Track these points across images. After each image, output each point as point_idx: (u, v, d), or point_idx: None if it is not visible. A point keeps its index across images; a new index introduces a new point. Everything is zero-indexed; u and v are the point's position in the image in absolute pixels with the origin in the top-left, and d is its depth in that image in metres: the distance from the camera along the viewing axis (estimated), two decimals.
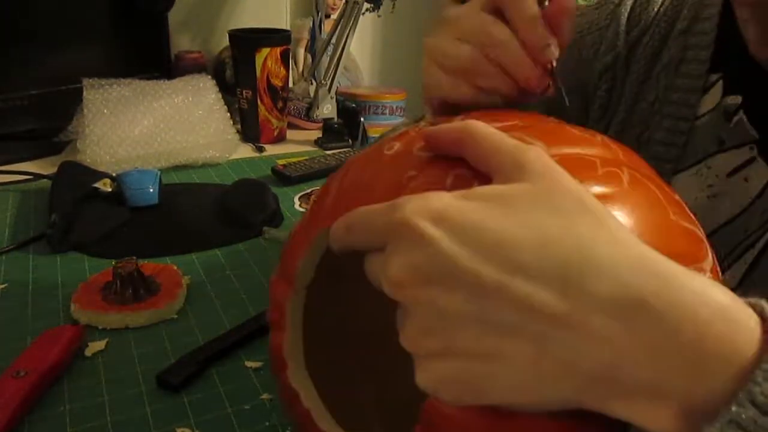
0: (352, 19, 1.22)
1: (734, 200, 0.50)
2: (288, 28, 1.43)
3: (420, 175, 0.31)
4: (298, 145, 1.21)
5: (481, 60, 0.38)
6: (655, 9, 0.59)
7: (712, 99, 0.55)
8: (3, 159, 1.03)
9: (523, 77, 0.38)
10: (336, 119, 1.23)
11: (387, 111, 1.40)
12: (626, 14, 0.60)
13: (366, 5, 1.22)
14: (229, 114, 1.14)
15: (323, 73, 1.26)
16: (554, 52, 0.38)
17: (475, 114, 0.36)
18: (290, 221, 0.87)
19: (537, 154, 0.28)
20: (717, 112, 0.54)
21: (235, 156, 1.11)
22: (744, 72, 0.52)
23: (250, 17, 1.44)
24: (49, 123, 1.10)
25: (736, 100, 0.52)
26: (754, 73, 0.51)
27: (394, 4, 1.37)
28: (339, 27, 1.24)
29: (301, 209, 0.91)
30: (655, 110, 0.57)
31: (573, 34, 0.39)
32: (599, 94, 0.61)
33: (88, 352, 0.57)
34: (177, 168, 1.04)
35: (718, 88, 0.54)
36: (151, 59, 1.24)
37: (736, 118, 0.52)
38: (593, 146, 0.33)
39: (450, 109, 0.41)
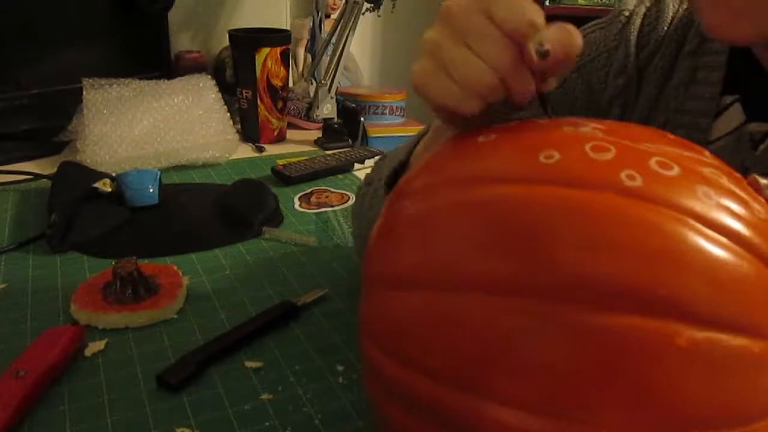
0: (352, 19, 1.22)
1: None
2: (288, 28, 1.43)
3: None
4: (298, 145, 1.21)
5: (500, 83, 0.36)
6: (665, 27, 0.57)
7: (726, 122, 0.53)
8: (3, 159, 1.03)
9: (525, 100, 0.37)
10: (336, 119, 1.23)
11: (387, 111, 1.40)
12: (635, 34, 0.58)
13: (366, 5, 1.22)
14: (229, 114, 1.14)
15: (323, 73, 1.26)
16: (553, 82, 0.38)
17: (546, 119, 0.37)
18: (290, 221, 0.87)
19: None
20: (737, 138, 0.52)
21: (235, 156, 1.11)
22: (766, 96, 0.50)
23: (250, 17, 1.44)
24: (49, 123, 1.11)
25: (763, 127, 0.51)
26: None
27: (394, 4, 1.37)
28: (339, 27, 1.24)
29: (301, 209, 0.91)
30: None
31: (575, 63, 0.38)
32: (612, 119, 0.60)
33: (88, 352, 0.57)
34: (177, 168, 1.04)
35: (736, 111, 0.52)
36: (151, 59, 1.25)
37: (762, 146, 0.51)
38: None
39: (458, 118, 0.39)
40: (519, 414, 0.29)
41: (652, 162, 0.31)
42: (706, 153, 0.35)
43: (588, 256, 0.29)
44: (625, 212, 0.29)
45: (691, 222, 0.29)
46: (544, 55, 0.35)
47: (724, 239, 0.29)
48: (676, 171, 0.31)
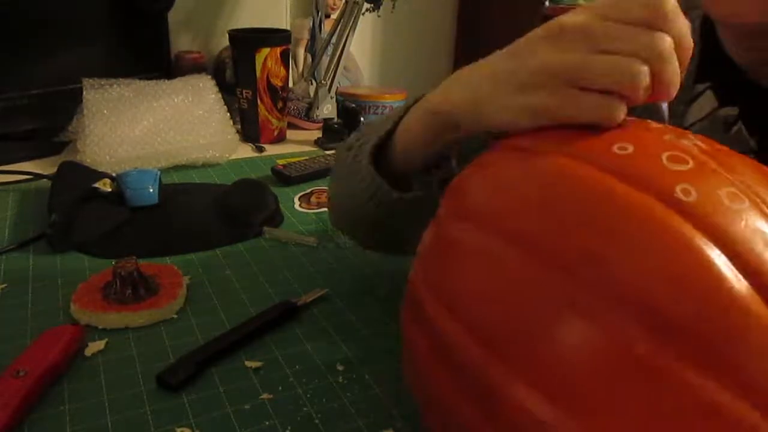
0: (352, 19, 1.22)
1: None
2: (288, 28, 1.43)
3: None
4: (298, 145, 1.21)
5: (649, 74, 0.35)
6: None
7: (699, 109, 0.55)
8: (3, 159, 1.03)
9: (674, 93, 0.36)
10: (336, 119, 1.23)
11: (387, 111, 1.40)
12: None
13: (366, 5, 1.22)
14: (229, 114, 1.14)
15: (323, 73, 1.26)
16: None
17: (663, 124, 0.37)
18: (290, 221, 0.87)
19: None
20: (711, 122, 0.55)
21: (235, 156, 1.11)
22: (736, 83, 0.53)
23: (250, 17, 1.44)
24: (49, 123, 1.11)
25: (733, 111, 0.53)
26: (746, 85, 0.52)
27: (394, 4, 1.37)
28: (339, 27, 1.24)
29: (301, 209, 0.91)
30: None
31: None
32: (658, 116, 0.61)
33: (88, 352, 0.57)
34: (177, 168, 1.04)
35: (708, 97, 0.55)
36: (151, 59, 1.25)
37: (734, 129, 0.53)
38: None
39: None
40: (539, 399, 0.29)
41: (723, 190, 0.30)
42: None
43: (607, 252, 0.29)
44: (659, 221, 0.29)
45: (723, 258, 0.28)
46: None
47: (745, 283, 0.28)
48: (743, 206, 0.30)
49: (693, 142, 0.34)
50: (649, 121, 0.38)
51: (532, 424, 0.30)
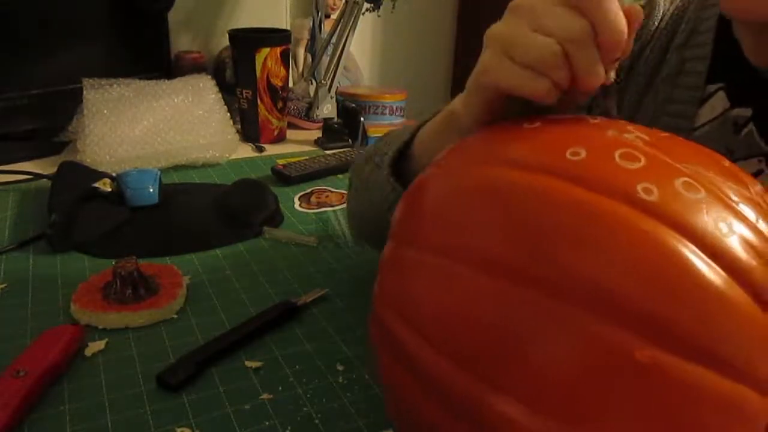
0: (352, 19, 1.22)
1: None
2: (288, 28, 1.43)
3: None
4: (298, 145, 1.21)
5: (562, 56, 0.36)
6: (656, 23, 0.60)
7: (710, 109, 0.55)
8: (3, 159, 1.03)
9: (591, 83, 0.37)
10: (336, 119, 1.23)
11: (387, 111, 1.40)
12: None
13: (366, 5, 1.22)
14: (229, 114, 1.14)
15: (323, 73, 1.26)
16: (619, 69, 0.37)
17: (599, 118, 0.37)
18: (290, 221, 0.87)
19: None
20: (721, 123, 0.54)
21: (235, 156, 1.11)
22: (749, 84, 0.53)
23: (250, 17, 1.44)
24: (49, 123, 1.11)
25: (745, 112, 0.53)
26: (760, 86, 0.52)
27: (394, 4, 1.37)
28: (339, 27, 1.24)
29: (301, 209, 0.91)
30: (653, 123, 0.57)
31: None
32: (602, 110, 0.61)
33: (88, 352, 0.57)
34: (177, 168, 1.04)
35: (720, 98, 0.55)
36: (151, 59, 1.25)
37: (745, 130, 0.53)
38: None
39: (499, 108, 0.40)
40: (522, 409, 0.29)
41: (678, 182, 0.31)
42: (756, 187, 0.34)
43: (580, 259, 0.29)
44: (628, 223, 0.29)
45: (692, 246, 0.29)
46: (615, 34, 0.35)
47: (722, 272, 0.28)
48: (700, 195, 0.30)
49: (635, 134, 0.34)
50: (586, 116, 0.38)
51: None
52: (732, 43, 0.53)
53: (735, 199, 0.31)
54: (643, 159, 0.32)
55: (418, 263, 0.34)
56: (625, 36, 0.36)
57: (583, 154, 0.32)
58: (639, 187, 0.30)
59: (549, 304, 0.29)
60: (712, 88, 0.55)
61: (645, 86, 0.59)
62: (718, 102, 0.55)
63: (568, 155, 0.32)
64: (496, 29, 0.39)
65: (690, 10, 0.58)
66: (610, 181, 0.31)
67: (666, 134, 0.36)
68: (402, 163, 0.56)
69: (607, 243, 0.29)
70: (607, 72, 0.37)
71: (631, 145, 0.33)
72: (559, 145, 0.33)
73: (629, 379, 0.28)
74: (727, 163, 0.35)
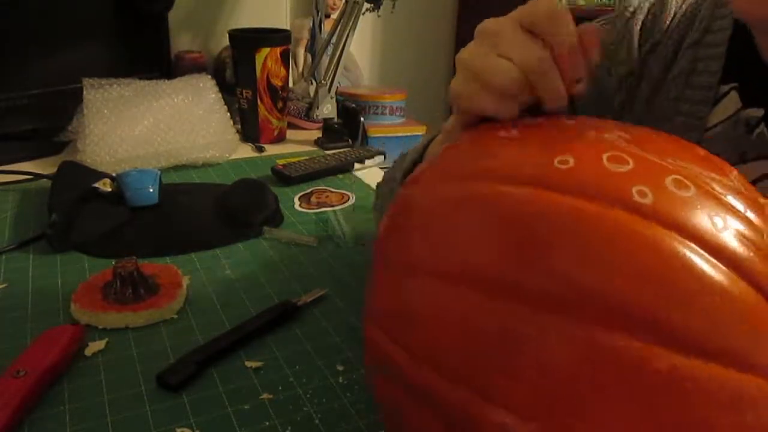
0: (352, 19, 1.22)
1: None
2: (288, 28, 1.43)
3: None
4: (298, 145, 1.21)
5: (524, 81, 0.38)
6: (668, 21, 0.60)
7: (723, 110, 0.55)
8: (3, 159, 1.03)
9: (556, 104, 0.38)
10: (336, 119, 1.23)
11: (387, 111, 1.40)
12: (639, 26, 0.61)
13: (366, 5, 1.22)
14: (229, 114, 1.14)
15: (323, 73, 1.26)
16: (583, 88, 0.38)
17: (575, 119, 0.37)
18: (290, 221, 0.87)
19: None
20: (734, 123, 0.54)
21: (235, 156, 1.11)
22: (763, 84, 0.52)
23: (250, 17, 1.44)
24: (49, 123, 1.11)
25: (757, 113, 0.53)
26: None
27: (394, 4, 1.37)
28: (339, 27, 1.24)
29: (301, 209, 0.91)
30: (665, 122, 0.57)
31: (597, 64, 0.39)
32: (616, 109, 0.61)
33: (88, 352, 0.57)
34: (177, 168, 1.04)
35: (733, 98, 0.54)
36: (151, 59, 1.25)
37: (757, 131, 0.52)
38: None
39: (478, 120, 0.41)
40: (514, 418, 0.29)
41: (669, 180, 0.31)
42: (734, 173, 0.34)
43: (584, 270, 0.29)
44: (628, 230, 0.29)
45: (693, 246, 0.29)
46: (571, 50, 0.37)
47: (724, 268, 0.29)
48: (691, 192, 0.30)
49: (615, 134, 0.34)
50: (562, 117, 0.38)
51: None
52: (746, 43, 0.53)
53: (721, 191, 0.31)
54: (630, 161, 0.32)
55: (405, 283, 0.34)
56: (583, 56, 0.37)
57: (572, 161, 0.32)
58: (633, 191, 0.30)
59: (553, 319, 0.29)
60: (725, 88, 0.55)
61: (656, 84, 0.59)
62: (731, 102, 0.54)
63: (556, 164, 0.32)
64: (465, 54, 0.41)
65: (704, 8, 0.58)
66: (603, 187, 0.31)
67: (641, 128, 0.36)
68: None
69: (610, 252, 0.29)
70: (576, 85, 0.38)
71: (615, 147, 0.33)
72: (545, 154, 0.33)
73: (648, 389, 0.27)
74: (702, 151, 0.35)
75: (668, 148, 0.34)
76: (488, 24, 0.40)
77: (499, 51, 0.38)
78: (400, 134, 1.41)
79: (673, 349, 0.27)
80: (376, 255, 0.38)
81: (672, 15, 0.59)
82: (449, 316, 0.31)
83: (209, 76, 1.15)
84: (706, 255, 0.29)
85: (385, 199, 0.64)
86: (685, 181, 0.31)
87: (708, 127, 0.55)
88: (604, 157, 0.32)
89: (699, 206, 0.30)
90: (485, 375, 0.30)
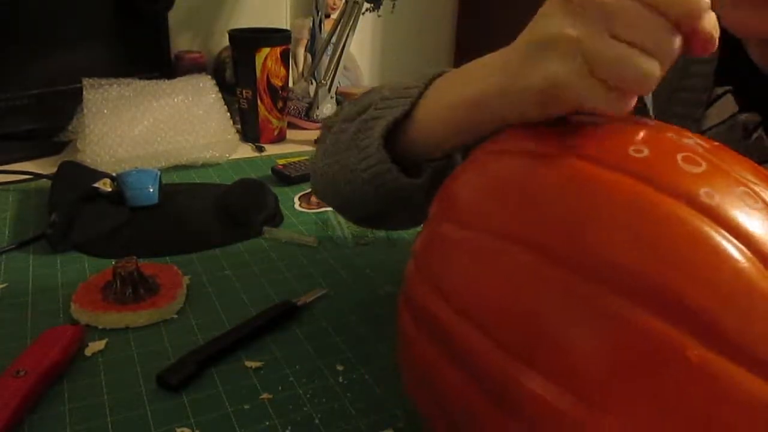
0: (352, 19, 1.22)
1: None
2: (288, 28, 1.43)
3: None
4: (298, 145, 1.21)
5: (658, 70, 0.32)
6: None
7: (718, 113, 0.54)
8: (3, 159, 1.03)
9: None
10: None
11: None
12: None
13: (366, 5, 1.22)
14: (229, 114, 1.14)
15: (323, 73, 1.26)
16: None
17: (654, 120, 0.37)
18: (290, 221, 0.87)
19: None
20: (730, 127, 0.53)
21: (235, 156, 1.11)
22: (758, 88, 0.52)
23: (250, 17, 1.44)
24: (49, 123, 1.10)
25: (754, 118, 0.52)
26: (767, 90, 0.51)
27: (394, 4, 1.37)
28: (339, 27, 1.24)
29: (301, 209, 0.91)
30: (661, 118, 0.57)
31: None
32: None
33: (88, 352, 0.57)
34: (177, 168, 1.04)
35: (728, 102, 0.54)
36: (151, 59, 1.24)
37: (755, 135, 0.52)
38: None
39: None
40: (552, 387, 0.30)
41: (738, 191, 0.31)
42: None
43: (639, 254, 0.29)
44: (690, 225, 0.30)
45: (749, 254, 0.29)
46: (712, 42, 0.33)
47: None
48: (759, 206, 0.31)
49: (694, 140, 0.35)
50: (643, 118, 0.38)
51: (550, 414, 0.30)
52: (740, 47, 0.52)
53: None
54: (704, 164, 0.32)
55: (463, 242, 0.35)
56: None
57: (646, 152, 0.33)
58: (701, 191, 0.31)
59: (600, 295, 0.29)
60: (719, 90, 0.54)
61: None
62: (726, 105, 0.54)
63: (631, 152, 0.33)
64: (573, 32, 0.33)
65: None
66: (673, 181, 0.31)
67: (718, 144, 0.36)
68: (392, 133, 0.51)
69: (668, 242, 0.29)
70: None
71: (692, 150, 0.33)
72: (623, 141, 0.34)
73: (674, 376, 0.28)
74: (764, 171, 0.35)
75: (743, 164, 0.34)
76: None
77: (619, 32, 0.32)
78: None
79: (709, 345, 0.28)
80: (433, 214, 0.39)
81: None
82: (502, 274, 0.32)
83: (209, 76, 1.15)
84: (760, 265, 0.29)
85: (340, 143, 0.57)
86: (755, 195, 0.31)
87: (703, 130, 0.55)
88: (679, 156, 0.32)
89: (764, 220, 0.30)
90: (531, 339, 0.31)
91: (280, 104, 1.19)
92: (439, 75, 0.51)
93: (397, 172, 0.51)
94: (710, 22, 0.33)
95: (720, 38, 0.55)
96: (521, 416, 0.31)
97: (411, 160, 0.52)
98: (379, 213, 0.57)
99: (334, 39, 1.25)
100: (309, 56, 1.46)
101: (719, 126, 0.54)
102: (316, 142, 0.63)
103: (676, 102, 0.56)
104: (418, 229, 0.44)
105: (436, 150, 0.51)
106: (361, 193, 0.55)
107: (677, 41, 0.33)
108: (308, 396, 0.53)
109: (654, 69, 0.32)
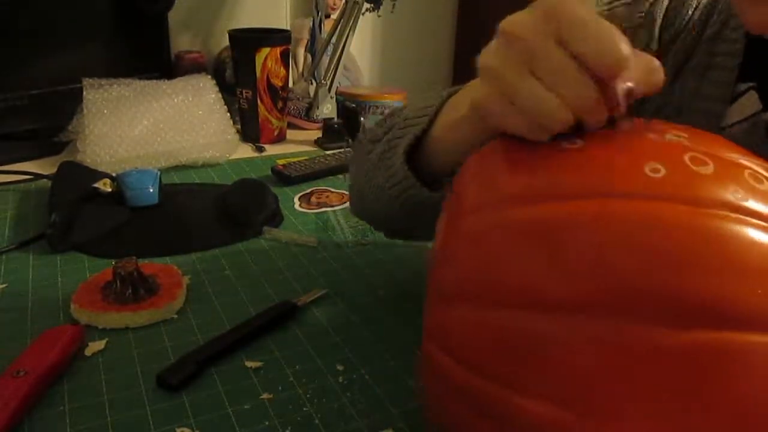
0: (352, 19, 1.22)
1: None
2: (288, 28, 1.43)
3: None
4: (298, 145, 1.21)
5: (566, 113, 0.33)
6: (689, 12, 0.58)
7: (741, 109, 0.54)
8: (3, 159, 1.03)
9: (596, 128, 0.34)
10: (336, 119, 1.23)
11: (387, 111, 1.40)
12: (661, 14, 0.59)
13: (366, 5, 1.22)
14: (229, 114, 1.14)
15: (323, 73, 1.26)
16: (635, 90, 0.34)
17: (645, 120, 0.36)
18: (290, 221, 0.87)
19: None
20: (752, 126, 0.53)
21: (235, 156, 1.11)
22: None
23: (250, 17, 1.44)
24: (49, 123, 1.11)
25: None
26: None
27: (394, 4, 1.37)
28: (339, 27, 1.24)
29: (301, 209, 0.91)
30: (683, 113, 0.56)
31: None
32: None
33: (88, 352, 0.57)
34: (177, 168, 1.04)
35: (751, 98, 0.53)
36: (151, 59, 1.24)
37: None
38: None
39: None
40: (549, 406, 0.30)
41: (746, 174, 0.31)
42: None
43: (722, 281, 0.28)
44: (747, 234, 0.29)
45: None
46: (627, 93, 0.32)
47: None
48: (765, 185, 0.31)
49: (673, 134, 0.34)
50: (639, 120, 0.37)
51: (547, 426, 0.30)
52: (764, 43, 0.51)
53: None
54: (709, 162, 0.31)
55: (453, 311, 0.34)
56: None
57: (662, 170, 0.30)
58: (730, 195, 0.30)
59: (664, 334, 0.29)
60: (743, 86, 0.54)
61: (672, 77, 0.58)
62: (750, 102, 0.53)
63: (648, 172, 0.30)
64: (492, 61, 0.35)
65: (722, 1, 0.56)
66: (705, 192, 0.30)
67: (690, 127, 0.35)
68: (414, 149, 0.54)
69: (731, 257, 0.29)
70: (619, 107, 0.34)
71: (687, 148, 0.32)
72: (633, 164, 0.31)
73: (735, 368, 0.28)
74: (726, 140, 0.35)
75: (725, 145, 0.34)
76: (515, 27, 0.34)
77: (538, 72, 0.33)
78: None
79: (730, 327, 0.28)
80: (433, 280, 0.37)
81: (694, 5, 0.58)
82: (534, 352, 0.31)
83: (209, 76, 1.15)
84: None
85: (368, 164, 0.59)
86: (759, 175, 0.32)
87: (724, 126, 0.54)
88: (686, 159, 0.31)
89: None
90: (514, 371, 0.31)
91: (280, 104, 1.19)
92: (456, 92, 0.53)
93: (420, 186, 0.53)
94: (621, 87, 0.33)
95: (746, 32, 0.54)
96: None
97: (433, 175, 0.54)
98: (407, 228, 0.61)
99: (334, 39, 1.25)
100: (309, 56, 1.46)
101: (741, 123, 0.53)
102: (347, 161, 0.66)
103: (700, 96, 0.56)
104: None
105: (454, 164, 0.51)
106: (388, 209, 0.57)
107: (594, 96, 0.32)
108: (308, 396, 0.53)
109: (565, 115, 0.33)
